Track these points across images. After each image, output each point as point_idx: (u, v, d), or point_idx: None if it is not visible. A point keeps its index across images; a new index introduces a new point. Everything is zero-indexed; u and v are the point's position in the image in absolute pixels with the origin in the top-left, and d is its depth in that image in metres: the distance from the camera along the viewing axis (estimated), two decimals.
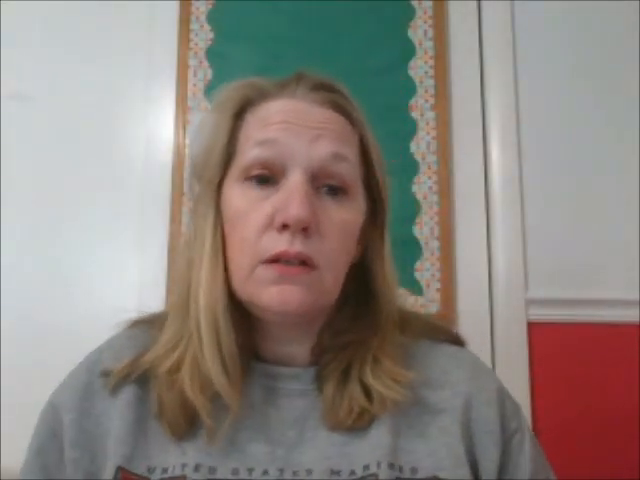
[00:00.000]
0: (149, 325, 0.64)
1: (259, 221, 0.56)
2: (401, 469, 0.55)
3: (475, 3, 1.34)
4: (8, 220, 1.28)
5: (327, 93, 0.61)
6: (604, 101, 1.29)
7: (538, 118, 1.29)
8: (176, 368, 0.57)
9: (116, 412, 0.59)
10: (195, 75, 1.31)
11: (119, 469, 0.56)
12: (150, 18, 1.34)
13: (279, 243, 0.55)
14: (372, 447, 0.56)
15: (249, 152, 0.58)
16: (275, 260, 0.55)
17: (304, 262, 0.55)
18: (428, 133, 1.28)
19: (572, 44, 1.31)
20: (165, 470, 0.56)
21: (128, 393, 0.59)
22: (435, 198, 1.26)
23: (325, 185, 0.58)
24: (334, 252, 0.57)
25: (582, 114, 1.29)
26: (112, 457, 0.57)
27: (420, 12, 1.32)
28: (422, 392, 0.60)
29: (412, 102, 1.29)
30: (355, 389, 0.58)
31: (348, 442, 0.57)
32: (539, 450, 0.64)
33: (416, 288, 1.23)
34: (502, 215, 1.26)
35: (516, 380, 1.19)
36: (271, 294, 0.55)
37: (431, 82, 1.30)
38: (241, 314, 0.59)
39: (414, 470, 0.56)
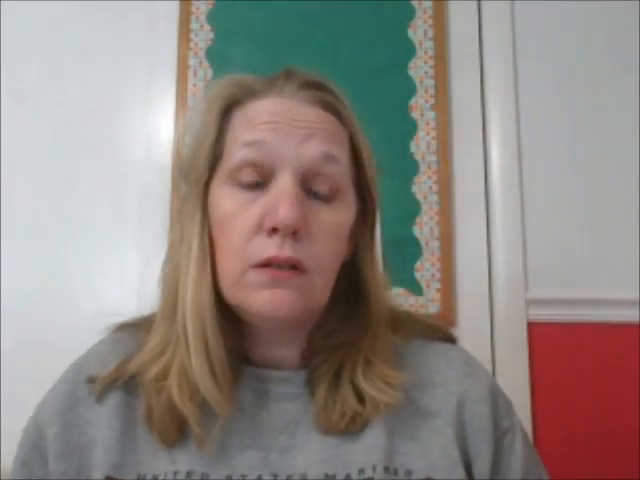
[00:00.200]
0: (136, 329, 0.63)
1: (248, 224, 0.55)
2: (396, 472, 0.55)
3: (475, 3, 1.34)
4: (8, 220, 1.28)
5: (316, 91, 0.60)
6: (604, 101, 1.29)
7: (538, 118, 1.29)
8: (163, 375, 0.56)
9: (103, 420, 0.57)
10: (195, 75, 1.31)
11: (107, 479, 0.55)
12: (150, 18, 1.34)
13: (269, 248, 0.54)
14: (367, 450, 0.56)
15: (236, 153, 0.57)
16: (265, 265, 0.54)
17: (294, 266, 0.54)
18: (428, 133, 1.28)
19: (572, 44, 1.31)
20: (156, 477, 0.55)
21: (115, 399, 0.58)
22: (435, 198, 1.26)
23: (315, 186, 0.57)
24: (324, 255, 0.56)
25: (582, 114, 1.29)
26: (100, 466, 0.55)
27: (420, 12, 1.32)
28: (414, 393, 0.60)
29: (412, 102, 1.29)
30: (347, 393, 0.57)
31: (341, 445, 0.56)
32: (531, 448, 0.64)
33: (416, 288, 1.23)
34: (502, 215, 1.26)
35: (516, 380, 1.19)
36: (262, 298, 0.54)
37: (431, 82, 1.30)
38: (230, 318, 0.58)
39: (409, 472, 0.55)
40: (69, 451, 0.57)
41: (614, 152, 1.28)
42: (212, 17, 1.34)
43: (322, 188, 0.57)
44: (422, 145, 1.28)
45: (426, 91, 1.30)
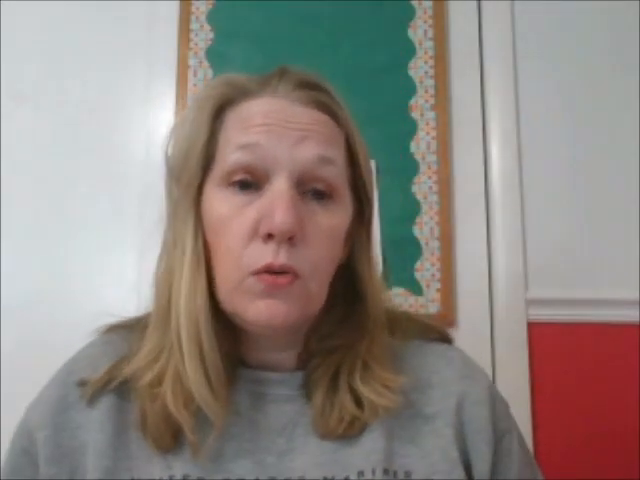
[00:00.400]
0: (128, 330, 0.62)
1: (243, 229, 0.54)
2: (395, 474, 0.55)
3: (475, 3, 1.34)
4: (8, 220, 1.28)
5: (311, 91, 0.58)
6: (604, 101, 1.29)
7: (538, 118, 1.29)
8: (158, 381, 0.55)
9: (94, 424, 0.57)
10: (195, 75, 1.31)
11: None
12: (150, 18, 1.34)
13: (265, 255, 0.53)
14: (365, 453, 0.56)
15: (230, 156, 0.55)
16: (262, 272, 0.53)
17: (289, 272, 0.53)
18: (428, 133, 1.28)
19: (572, 44, 1.31)
20: None
21: (106, 403, 0.57)
22: (435, 198, 1.26)
23: (311, 189, 0.56)
24: (320, 259, 0.55)
25: (582, 114, 1.29)
26: (92, 470, 0.55)
27: (420, 12, 1.32)
28: (413, 395, 0.59)
29: (412, 102, 1.29)
30: (345, 397, 0.57)
31: (340, 449, 0.56)
32: (526, 449, 0.64)
33: (416, 288, 1.23)
34: (502, 215, 1.26)
35: (516, 380, 1.19)
36: (257, 309, 0.53)
37: (431, 82, 1.30)
38: (224, 322, 0.57)
39: (408, 474, 0.55)
40: (60, 455, 0.56)
41: (614, 152, 1.28)
42: (212, 17, 1.34)
43: (318, 191, 0.56)
44: (422, 145, 1.28)
45: (426, 91, 1.30)
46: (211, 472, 0.55)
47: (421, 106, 1.29)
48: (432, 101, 1.29)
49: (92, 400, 0.58)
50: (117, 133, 1.32)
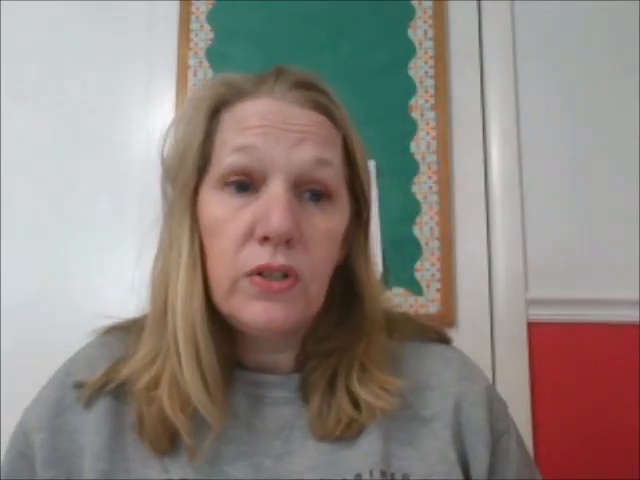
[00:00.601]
0: (125, 332, 0.61)
1: (239, 231, 0.53)
2: (393, 476, 0.55)
3: (475, 3, 1.34)
4: (8, 220, 1.28)
5: (307, 92, 0.57)
6: (604, 101, 1.29)
7: (538, 118, 1.29)
8: (154, 384, 0.55)
9: (91, 426, 0.56)
10: (195, 75, 1.31)
11: None
12: (150, 18, 1.34)
13: (261, 256, 0.52)
14: (363, 455, 0.55)
15: (226, 159, 0.55)
16: (257, 273, 0.52)
17: (287, 274, 0.53)
18: (428, 133, 1.28)
19: (572, 44, 1.31)
20: None
21: (103, 406, 0.57)
22: (435, 198, 1.26)
23: (308, 190, 0.55)
24: (318, 261, 0.55)
25: (582, 114, 1.29)
26: (89, 473, 0.55)
27: (420, 12, 1.32)
28: (411, 397, 0.59)
29: (412, 102, 1.29)
30: (342, 399, 0.56)
31: (337, 451, 0.56)
32: (524, 449, 0.64)
33: (416, 288, 1.23)
34: (502, 215, 1.26)
35: (516, 380, 1.19)
36: (255, 311, 0.53)
37: (431, 82, 1.30)
38: (221, 324, 0.56)
39: (406, 476, 0.55)
40: (57, 458, 0.56)
41: (614, 152, 1.28)
42: (212, 17, 1.34)
43: (315, 192, 0.55)
44: (422, 145, 1.28)
45: (426, 91, 1.30)
46: (208, 475, 0.55)
47: (421, 106, 1.29)
48: (432, 101, 1.29)
49: (89, 402, 0.57)
50: (117, 133, 1.32)
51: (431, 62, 1.31)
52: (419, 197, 1.26)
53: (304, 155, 0.54)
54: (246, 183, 0.55)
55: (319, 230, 0.55)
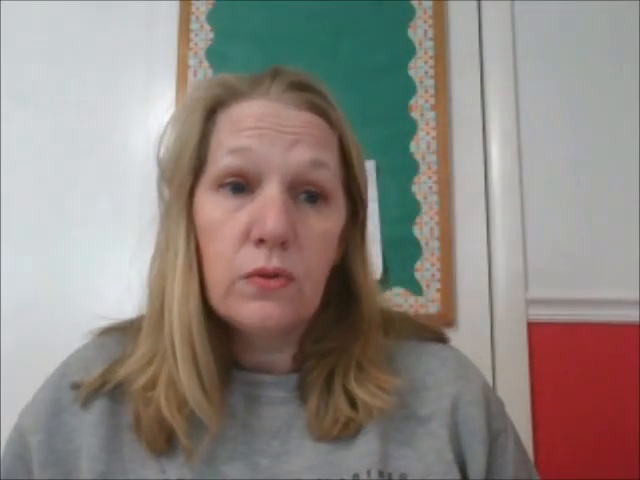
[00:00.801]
0: (122, 332, 0.61)
1: (235, 233, 0.53)
2: (390, 476, 0.55)
3: (475, 3, 1.34)
4: (8, 220, 1.28)
5: (303, 93, 0.57)
6: (604, 101, 1.29)
7: (538, 118, 1.29)
8: (151, 385, 0.55)
9: (88, 427, 0.56)
10: (195, 75, 1.31)
11: None
12: (150, 18, 1.34)
13: (257, 259, 0.52)
14: (360, 455, 0.56)
15: (221, 160, 0.55)
16: (253, 275, 0.52)
17: (282, 275, 0.53)
18: (428, 133, 1.28)
19: (572, 44, 1.31)
20: None
21: (100, 406, 0.57)
22: (435, 198, 1.26)
23: (304, 192, 0.55)
24: (314, 263, 0.55)
25: (582, 114, 1.29)
26: (86, 474, 0.55)
27: (420, 12, 1.32)
28: (408, 396, 0.59)
29: (412, 102, 1.29)
30: (340, 399, 0.56)
31: (335, 451, 0.56)
32: (522, 448, 0.64)
33: (416, 288, 1.23)
34: (502, 215, 1.26)
35: (516, 380, 1.19)
36: (251, 310, 0.53)
37: (431, 82, 1.30)
38: (218, 324, 0.56)
39: (403, 476, 0.55)
40: (54, 459, 0.56)
41: (614, 152, 1.28)
42: (212, 17, 1.34)
43: (310, 194, 0.55)
44: (422, 145, 1.28)
45: (426, 91, 1.30)
46: (205, 475, 0.55)
47: (421, 106, 1.29)
48: (432, 101, 1.29)
49: (86, 403, 0.57)
50: (117, 133, 1.32)
51: (431, 62, 1.31)
52: (419, 197, 1.26)
53: (299, 157, 0.54)
54: (242, 185, 0.55)
55: (315, 232, 0.55)
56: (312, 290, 0.56)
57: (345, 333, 0.60)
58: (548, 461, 1.17)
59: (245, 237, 0.53)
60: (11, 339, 1.22)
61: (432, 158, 1.27)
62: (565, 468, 1.17)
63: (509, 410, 0.65)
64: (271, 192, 0.53)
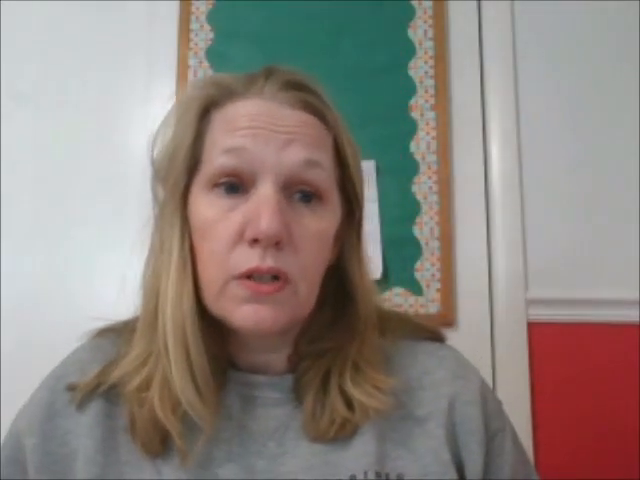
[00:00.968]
0: (117, 334, 0.61)
1: (229, 233, 0.53)
2: (387, 476, 0.55)
3: (475, 3, 1.34)
4: (8, 220, 1.28)
5: (298, 92, 0.57)
6: (604, 101, 1.29)
7: (538, 118, 1.29)
8: (146, 386, 0.55)
9: (83, 429, 0.56)
10: (195, 75, 1.31)
11: None
12: (150, 18, 1.34)
13: (250, 258, 0.52)
14: (357, 456, 0.55)
15: (215, 160, 0.55)
16: (247, 276, 0.52)
17: (277, 277, 0.53)
18: (428, 133, 1.28)
19: (572, 44, 1.31)
20: None
21: (95, 408, 0.57)
22: (435, 198, 1.26)
23: (298, 191, 0.55)
24: (309, 263, 0.55)
25: (582, 114, 1.29)
26: (82, 477, 0.55)
27: (420, 12, 1.32)
28: (404, 396, 0.59)
29: (412, 102, 1.29)
30: (336, 399, 0.56)
31: (331, 452, 0.56)
32: (521, 448, 0.63)
33: (416, 288, 1.23)
34: (502, 215, 1.26)
35: (516, 380, 1.19)
36: (244, 313, 0.53)
37: (431, 82, 1.30)
38: (212, 325, 0.56)
39: (400, 476, 0.55)
40: (50, 462, 0.56)
41: (614, 152, 1.28)
42: (212, 17, 1.34)
43: (305, 194, 0.55)
44: (422, 145, 1.28)
45: (426, 91, 1.30)
46: (200, 477, 0.54)
47: (421, 106, 1.29)
48: (432, 101, 1.29)
49: (81, 405, 0.57)
50: (117, 133, 1.32)
51: (431, 62, 1.31)
52: (419, 197, 1.26)
53: (294, 156, 0.54)
54: (236, 184, 0.54)
55: (309, 231, 0.55)
56: (307, 290, 0.55)
57: (341, 333, 0.59)
58: (548, 461, 1.17)
59: (239, 237, 0.53)
60: (11, 339, 1.22)
61: (432, 158, 1.27)
62: (565, 468, 1.17)
63: (509, 410, 0.64)
64: (265, 192, 0.53)
